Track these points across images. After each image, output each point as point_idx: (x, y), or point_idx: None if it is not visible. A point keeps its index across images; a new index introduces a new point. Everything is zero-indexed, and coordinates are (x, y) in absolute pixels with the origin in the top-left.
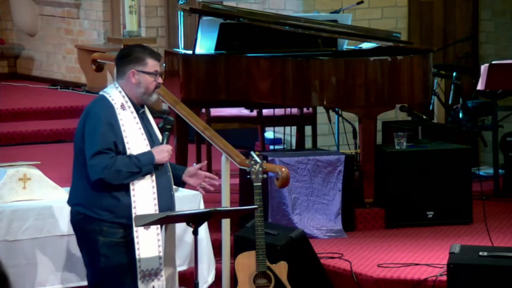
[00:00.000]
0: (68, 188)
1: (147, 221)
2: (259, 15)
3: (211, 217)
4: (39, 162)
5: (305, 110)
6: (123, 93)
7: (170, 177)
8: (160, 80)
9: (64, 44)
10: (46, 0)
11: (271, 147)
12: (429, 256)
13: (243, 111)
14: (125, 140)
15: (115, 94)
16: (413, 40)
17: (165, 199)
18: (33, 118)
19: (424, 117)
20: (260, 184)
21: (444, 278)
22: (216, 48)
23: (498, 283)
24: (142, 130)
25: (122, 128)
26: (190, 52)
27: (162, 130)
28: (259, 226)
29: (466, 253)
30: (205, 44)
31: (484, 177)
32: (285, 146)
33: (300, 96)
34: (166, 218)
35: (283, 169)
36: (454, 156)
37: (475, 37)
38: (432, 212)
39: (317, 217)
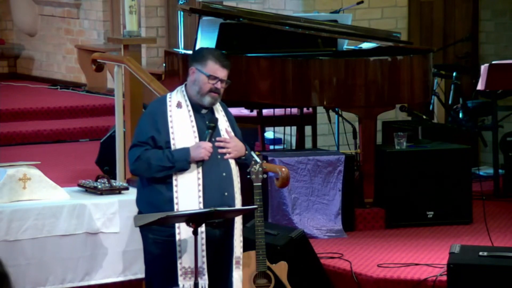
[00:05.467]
0: (68, 188)
1: (146, 221)
2: (259, 15)
3: (211, 217)
4: (39, 162)
5: (305, 110)
6: (184, 92)
7: (227, 178)
8: (218, 85)
9: (64, 44)
10: (46, 0)
11: (271, 147)
12: (429, 256)
13: (243, 111)
14: (171, 136)
15: (176, 93)
16: (413, 40)
17: (214, 199)
18: (33, 118)
19: (424, 117)
20: (260, 184)
21: (444, 278)
22: (216, 48)
23: (498, 283)
24: (195, 129)
25: (170, 125)
26: (190, 52)
27: (207, 128)
28: (259, 226)
29: (466, 253)
30: (205, 44)
31: (484, 177)
32: (285, 146)
33: (300, 96)
34: (166, 218)
35: (283, 169)
36: (454, 156)
37: (475, 37)
38: (432, 212)
39: (317, 217)
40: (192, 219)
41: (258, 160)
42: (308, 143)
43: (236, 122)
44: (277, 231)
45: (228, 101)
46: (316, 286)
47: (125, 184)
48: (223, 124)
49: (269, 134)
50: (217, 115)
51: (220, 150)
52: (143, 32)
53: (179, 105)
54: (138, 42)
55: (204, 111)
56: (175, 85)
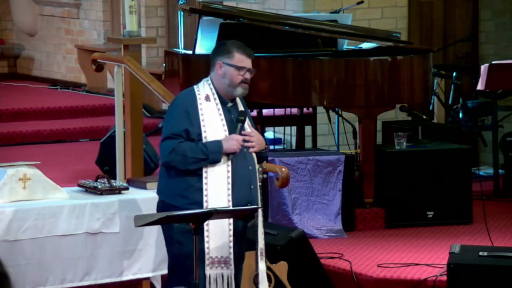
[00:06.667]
0: (68, 188)
1: (146, 221)
2: (259, 15)
3: (211, 217)
4: (39, 162)
5: (305, 110)
6: (211, 86)
7: (253, 172)
8: (247, 75)
9: (64, 44)
10: (46, 0)
11: (271, 147)
12: (429, 256)
13: None
14: (203, 129)
15: (203, 86)
16: (413, 40)
17: (242, 192)
18: (33, 118)
19: (424, 117)
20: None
21: (444, 278)
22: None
23: (498, 283)
24: (224, 122)
25: (201, 118)
26: (190, 52)
27: (236, 121)
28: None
29: (466, 253)
30: (205, 44)
31: (484, 177)
32: (285, 146)
33: (300, 96)
34: (166, 218)
35: (283, 169)
36: (454, 156)
37: (475, 37)
38: (432, 212)
39: (317, 217)
40: (192, 219)
41: None
42: (308, 143)
43: None
44: (277, 231)
45: None
46: (316, 286)
47: (125, 184)
48: (246, 118)
49: (269, 134)
50: (241, 108)
51: (245, 144)
52: (143, 32)
53: (207, 98)
54: (138, 42)
55: (230, 104)
56: (175, 85)
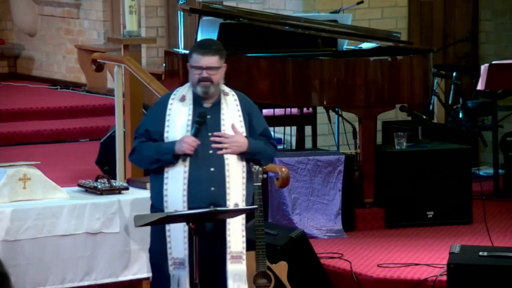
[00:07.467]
0: (68, 188)
1: (146, 221)
2: (259, 15)
3: (212, 217)
4: (39, 162)
5: (305, 110)
6: (190, 87)
7: (215, 173)
8: (204, 74)
9: (64, 44)
10: (46, 0)
11: None
12: (429, 256)
13: None
14: (166, 129)
15: (184, 87)
16: (413, 40)
17: (199, 194)
18: (33, 118)
19: (424, 117)
20: (260, 184)
21: (444, 278)
22: None
23: (498, 283)
24: (189, 122)
25: (167, 118)
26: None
27: (195, 123)
28: (259, 226)
29: (466, 253)
30: None
31: (484, 177)
32: (285, 146)
33: (300, 96)
34: (166, 218)
35: (283, 169)
36: (454, 156)
37: (475, 37)
38: (432, 212)
39: (317, 217)
40: (192, 219)
41: None
42: (308, 143)
43: None
44: (277, 231)
45: None
46: (316, 286)
47: (125, 184)
48: (231, 119)
49: None
50: (225, 109)
51: (214, 145)
52: (143, 32)
53: (183, 98)
54: (138, 42)
55: (207, 105)
56: (175, 85)
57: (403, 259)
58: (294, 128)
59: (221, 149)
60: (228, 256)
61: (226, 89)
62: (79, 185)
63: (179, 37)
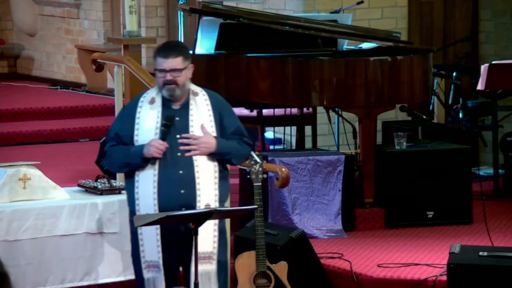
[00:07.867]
0: (68, 188)
1: (146, 221)
2: (259, 15)
3: (211, 217)
4: (39, 162)
5: (305, 110)
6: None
7: (184, 175)
8: (168, 77)
9: (64, 44)
10: (46, 0)
11: (271, 147)
12: (429, 256)
13: (243, 111)
14: (135, 132)
15: (154, 90)
16: (413, 40)
17: (169, 197)
18: (33, 118)
19: (424, 117)
20: (260, 184)
21: (444, 278)
22: (216, 48)
23: (498, 283)
24: (158, 125)
25: (137, 121)
26: (190, 52)
27: (162, 126)
28: (259, 226)
29: (466, 253)
30: (205, 44)
31: (484, 177)
32: (285, 146)
33: (300, 96)
34: (166, 218)
35: (283, 169)
36: (454, 156)
37: (475, 37)
38: (432, 212)
39: (317, 217)
40: (192, 219)
41: (258, 160)
42: (308, 143)
43: None
44: (277, 231)
45: (228, 101)
46: (316, 286)
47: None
48: (200, 120)
49: (269, 134)
50: (194, 110)
51: (182, 148)
52: (143, 32)
53: (152, 101)
54: (138, 42)
55: (175, 107)
56: None
57: (403, 259)
58: (294, 128)
59: (189, 151)
60: (198, 256)
61: (197, 89)
62: (79, 185)
63: (179, 37)
